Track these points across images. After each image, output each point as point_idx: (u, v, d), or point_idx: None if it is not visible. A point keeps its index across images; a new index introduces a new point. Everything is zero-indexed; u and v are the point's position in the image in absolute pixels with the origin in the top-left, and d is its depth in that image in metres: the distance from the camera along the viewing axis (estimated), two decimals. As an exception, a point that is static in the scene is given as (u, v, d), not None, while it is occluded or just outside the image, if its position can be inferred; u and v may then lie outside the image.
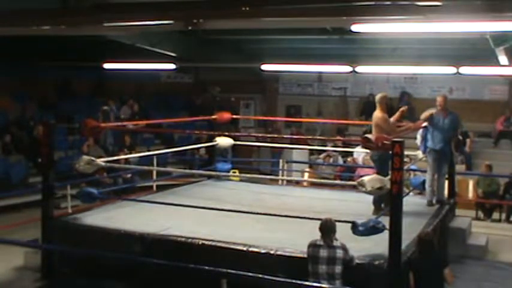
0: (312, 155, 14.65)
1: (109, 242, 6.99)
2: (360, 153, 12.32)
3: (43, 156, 7.86)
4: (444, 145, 8.51)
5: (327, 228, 5.85)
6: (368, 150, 8.99)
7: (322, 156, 13.37)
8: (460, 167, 12.18)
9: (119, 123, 13.71)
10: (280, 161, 12.23)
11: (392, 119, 8.05)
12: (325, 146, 13.77)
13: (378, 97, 8.09)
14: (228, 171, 10.84)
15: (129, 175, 12.36)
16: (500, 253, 8.69)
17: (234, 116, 12.66)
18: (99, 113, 14.19)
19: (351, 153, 13.10)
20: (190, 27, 7.29)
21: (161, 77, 18.88)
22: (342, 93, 17.64)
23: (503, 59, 10.62)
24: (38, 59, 14.51)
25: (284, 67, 15.41)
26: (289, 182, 11.39)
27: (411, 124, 8.79)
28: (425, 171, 9.00)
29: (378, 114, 7.86)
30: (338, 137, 15.06)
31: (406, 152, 6.42)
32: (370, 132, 8.27)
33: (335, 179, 12.25)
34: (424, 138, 8.73)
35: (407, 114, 8.87)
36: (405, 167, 7.58)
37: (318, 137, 15.77)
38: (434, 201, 8.62)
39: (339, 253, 5.77)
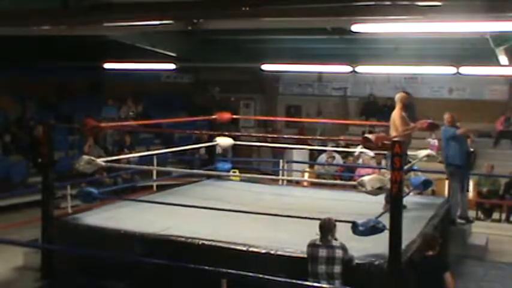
0: (312, 155, 14.62)
1: (109, 242, 6.99)
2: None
3: (43, 156, 7.86)
4: (462, 157, 8.53)
5: (326, 228, 5.85)
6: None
7: (324, 156, 13.31)
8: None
9: (119, 123, 13.71)
10: (281, 161, 12.22)
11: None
12: (326, 146, 13.74)
13: (397, 96, 8.16)
14: (228, 171, 10.83)
15: (129, 175, 12.36)
16: (500, 253, 8.71)
17: (234, 116, 12.65)
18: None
19: (351, 153, 13.08)
20: (190, 27, 7.27)
21: (161, 77, 18.87)
22: (342, 93, 17.62)
23: (503, 59, 10.61)
24: (37, 59, 14.50)
25: (284, 67, 15.39)
26: (289, 182, 11.39)
27: (414, 124, 8.80)
28: (426, 172, 8.98)
29: (395, 112, 7.95)
30: (340, 137, 15.05)
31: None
32: (370, 132, 8.28)
33: (335, 179, 12.23)
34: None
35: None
36: (407, 166, 7.59)
37: (318, 137, 15.76)
38: (457, 220, 8.65)
39: (338, 253, 5.77)
